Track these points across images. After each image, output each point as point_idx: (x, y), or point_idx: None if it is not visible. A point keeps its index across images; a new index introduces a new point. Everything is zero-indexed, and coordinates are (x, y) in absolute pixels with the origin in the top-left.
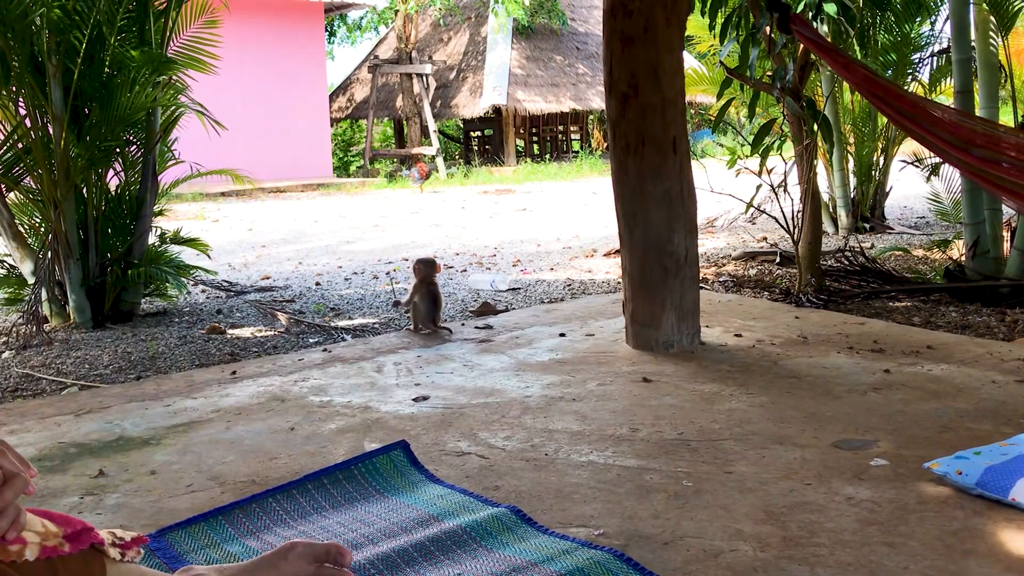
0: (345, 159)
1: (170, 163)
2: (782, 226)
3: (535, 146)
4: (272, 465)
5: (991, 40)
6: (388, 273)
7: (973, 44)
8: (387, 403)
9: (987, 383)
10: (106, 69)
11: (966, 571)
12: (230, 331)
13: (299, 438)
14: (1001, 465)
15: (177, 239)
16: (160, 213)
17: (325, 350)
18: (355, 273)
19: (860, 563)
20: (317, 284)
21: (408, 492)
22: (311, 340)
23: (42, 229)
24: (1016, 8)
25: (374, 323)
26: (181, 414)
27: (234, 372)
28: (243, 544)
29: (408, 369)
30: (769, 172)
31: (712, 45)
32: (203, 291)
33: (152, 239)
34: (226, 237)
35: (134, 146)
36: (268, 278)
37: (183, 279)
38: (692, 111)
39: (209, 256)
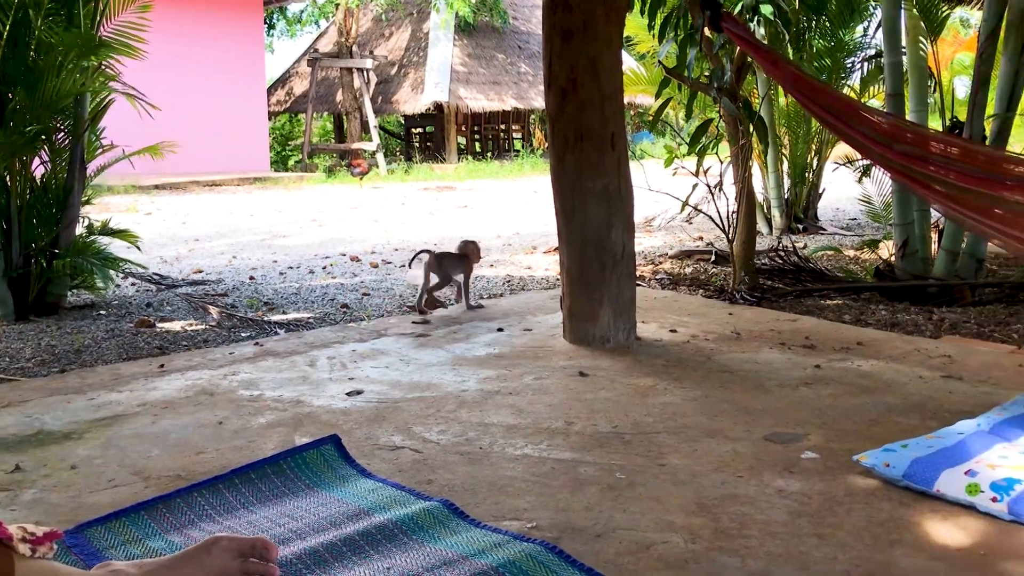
0: (283, 153)
1: (99, 151)
2: (718, 225)
3: (477, 144)
4: (199, 459)
5: (921, 45)
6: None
7: (904, 49)
8: (319, 397)
9: (914, 379)
10: (31, 53)
11: (893, 560)
12: (160, 325)
13: (227, 432)
14: (927, 458)
15: (106, 230)
16: (87, 202)
17: (257, 344)
18: (290, 267)
19: (790, 554)
20: (251, 278)
21: (338, 486)
22: (243, 334)
23: None
24: (944, 14)
25: (308, 317)
26: (105, 408)
27: (162, 365)
28: (166, 539)
29: (342, 363)
30: (705, 172)
31: (652, 46)
32: (133, 284)
33: (80, 230)
34: (159, 230)
35: (61, 133)
36: (201, 272)
37: (111, 271)
38: (632, 112)
39: (139, 248)
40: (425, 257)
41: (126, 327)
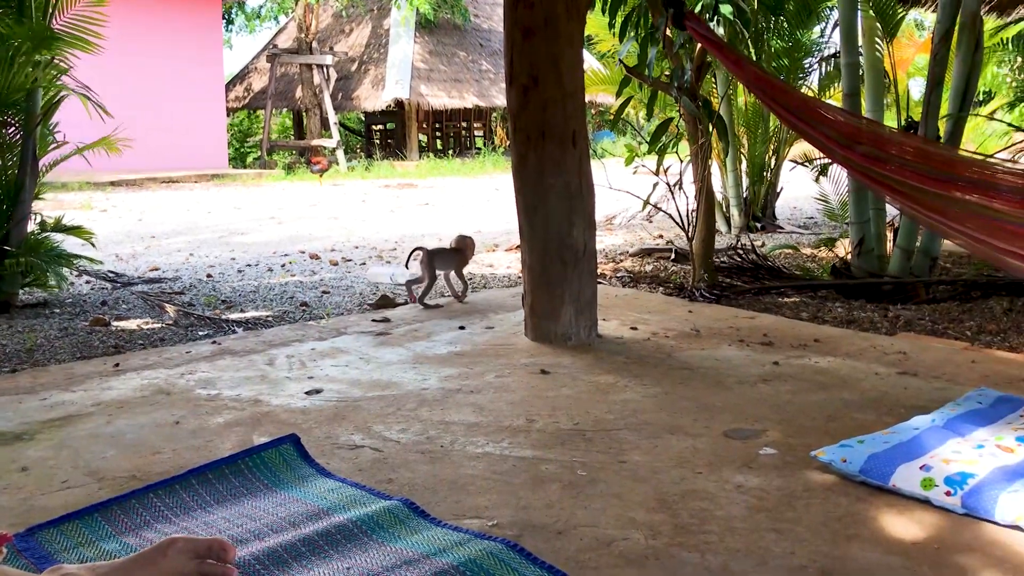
0: (242, 150)
1: (52, 147)
2: (677, 224)
3: (438, 141)
4: (155, 460)
5: (877, 46)
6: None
7: (861, 49)
8: (278, 396)
9: (871, 375)
10: None
11: (849, 555)
12: (115, 323)
13: (184, 432)
14: (883, 453)
15: (59, 227)
16: (39, 196)
17: (214, 342)
18: (249, 265)
19: (749, 549)
20: (209, 276)
21: (297, 486)
22: (200, 333)
23: None
24: (899, 16)
25: (267, 316)
26: (58, 408)
27: (117, 364)
28: (121, 542)
29: (301, 362)
30: (666, 171)
31: (613, 45)
32: (87, 282)
33: (32, 226)
34: (114, 227)
35: (12, 128)
36: (157, 269)
37: (65, 269)
38: (592, 111)
39: (94, 245)
40: (420, 255)
41: (80, 326)
